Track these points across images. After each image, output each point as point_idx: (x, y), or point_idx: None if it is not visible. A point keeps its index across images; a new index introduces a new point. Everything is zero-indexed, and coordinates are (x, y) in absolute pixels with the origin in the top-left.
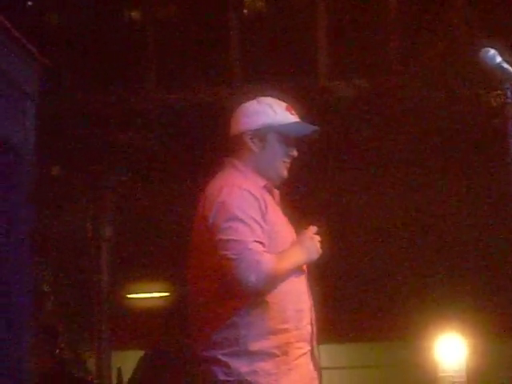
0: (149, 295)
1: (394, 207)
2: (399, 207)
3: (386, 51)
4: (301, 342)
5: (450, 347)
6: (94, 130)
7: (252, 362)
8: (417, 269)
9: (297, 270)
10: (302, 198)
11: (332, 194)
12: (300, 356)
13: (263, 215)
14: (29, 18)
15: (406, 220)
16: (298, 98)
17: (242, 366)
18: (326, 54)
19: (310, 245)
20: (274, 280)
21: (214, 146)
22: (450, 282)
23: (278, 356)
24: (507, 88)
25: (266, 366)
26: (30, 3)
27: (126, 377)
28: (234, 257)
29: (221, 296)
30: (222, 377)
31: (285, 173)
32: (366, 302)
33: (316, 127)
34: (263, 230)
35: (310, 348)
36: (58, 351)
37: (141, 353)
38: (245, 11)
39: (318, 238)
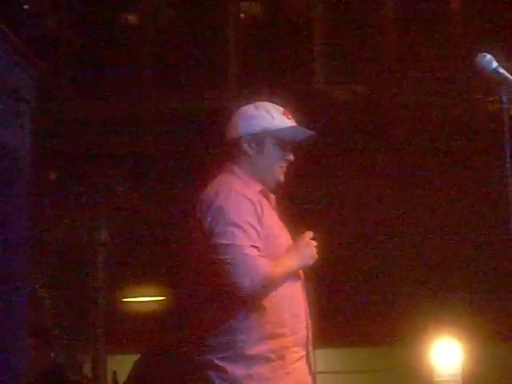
0: (144, 299)
1: (390, 212)
2: (395, 212)
3: (382, 56)
4: (297, 346)
5: (446, 352)
6: (90, 135)
7: (248, 367)
8: (412, 273)
9: (293, 275)
10: (297, 202)
11: (328, 199)
12: (296, 360)
13: (259, 219)
14: (25, 21)
15: (402, 225)
16: (294, 102)
17: (238, 371)
18: (323, 58)
19: (306, 250)
20: (269, 285)
21: (211, 150)
22: (446, 287)
23: (275, 360)
24: (503, 93)
25: (262, 370)
26: (26, 7)
27: (122, 380)
28: (229, 261)
29: (216, 300)
30: (218, 381)
31: (281, 177)
32: (361, 307)
33: (312, 132)
34: (259, 234)
35: (305, 352)
36: (53, 355)
37: (136, 356)
38: (241, 16)
39: (314, 243)
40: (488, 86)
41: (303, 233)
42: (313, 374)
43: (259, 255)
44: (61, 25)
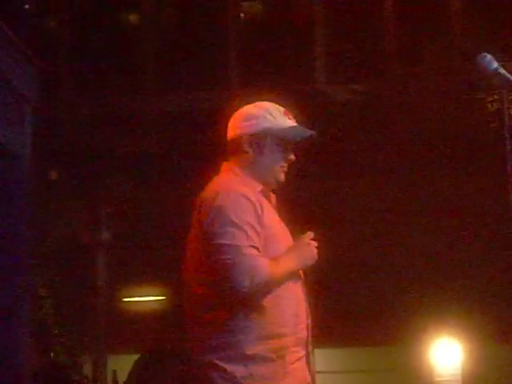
0: (145, 299)
1: (390, 212)
2: (396, 212)
3: (382, 56)
4: (297, 346)
5: (446, 352)
6: (91, 135)
7: (248, 366)
8: (413, 274)
9: (293, 275)
10: (298, 202)
11: (329, 199)
12: (296, 360)
13: (259, 219)
14: (26, 21)
15: (403, 225)
16: (295, 102)
17: (238, 371)
18: (323, 58)
19: (306, 250)
20: (269, 285)
21: (211, 150)
22: (446, 287)
23: (275, 360)
24: (503, 93)
25: (262, 370)
26: (27, 7)
27: (122, 380)
28: (228, 261)
29: (216, 300)
30: (218, 381)
31: (282, 177)
32: (361, 307)
33: (313, 131)
34: (259, 234)
35: (305, 352)
36: (53, 355)
37: (136, 356)
38: (242, 15)
39: (314, 243)
40: (488, 86)
41: (304, 233)
42: (313, 374)
43: (259, 255)
44: (62, 25)
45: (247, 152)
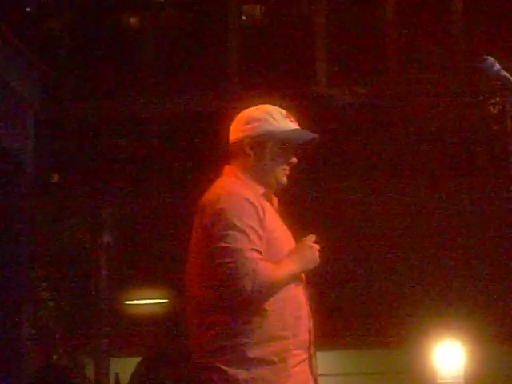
0: (147, 302)
1: (392, 215)
2: (398, 215)
3: (384, 58)
4: (299, 349)
5: (448, 354)
6: (93, 138)
7: (250, 370)
8: (415, 276)
9: (295, 278)
10: (300, 205)
11: (331, 202)
12: (298, 363)
13: (261, 223)
14: (28, 24)
15: (405, 227)
16: (296, 105)
17: (240, 374)
18: (325, 61)
19: (308, 253)
20: (270, 288)
21: (213, 153)
22: (449, 290)
23: (277, 363)
24: (505, 95)
25: (264, 373)
26: (29, 10)
27: (124, 383)
28: (230, 265)
29: (218, 303)
30: None
31: (284, 180)
32: (363, 309)
33: (315, 134)
34: (261, 237)
35: (307, 355)
36: (55, 357)
37: (139, 359)
38: (243, 18)
39: (317, 246)
40: (491, 89)
41: (306, 236)
42: (315, 377)
43: (261, 259)
44: (63, 27)
45: (249, 155)
